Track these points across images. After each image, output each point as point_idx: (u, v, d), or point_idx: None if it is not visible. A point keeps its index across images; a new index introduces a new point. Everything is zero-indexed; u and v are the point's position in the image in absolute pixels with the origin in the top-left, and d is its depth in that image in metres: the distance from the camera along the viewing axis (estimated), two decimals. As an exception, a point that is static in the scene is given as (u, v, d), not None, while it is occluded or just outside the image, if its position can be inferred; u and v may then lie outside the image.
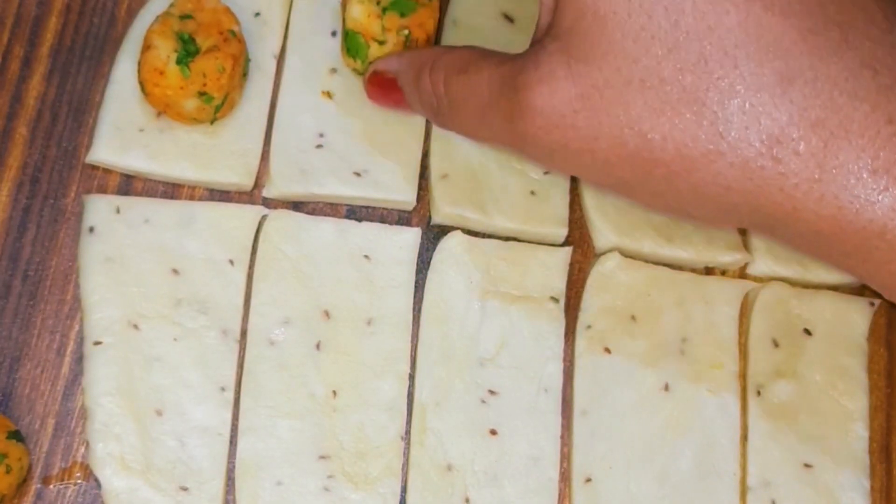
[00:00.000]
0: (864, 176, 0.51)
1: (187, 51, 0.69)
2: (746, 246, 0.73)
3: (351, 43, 0.70)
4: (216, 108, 0.70)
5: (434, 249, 0.72)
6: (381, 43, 0.69)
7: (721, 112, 0.52)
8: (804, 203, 0.52)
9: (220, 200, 0.72)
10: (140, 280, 0.69)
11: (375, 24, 0.69)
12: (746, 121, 0.52)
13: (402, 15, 0.69)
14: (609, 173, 0.56)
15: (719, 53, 0.52)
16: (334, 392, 0.68)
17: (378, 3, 0.69)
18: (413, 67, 0.65)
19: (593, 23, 0.54)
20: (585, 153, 0.56)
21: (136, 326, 0.68)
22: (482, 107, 0.60)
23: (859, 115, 0.51)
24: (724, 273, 0.73)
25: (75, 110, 0.73)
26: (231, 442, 0.68)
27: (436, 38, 0.76)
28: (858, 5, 0.53)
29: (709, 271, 0.73)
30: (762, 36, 0.52)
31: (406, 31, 0.69)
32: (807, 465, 0.69)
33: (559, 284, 0.71)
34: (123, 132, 0.72)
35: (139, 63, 0.70)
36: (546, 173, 0.73)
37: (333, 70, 0.74)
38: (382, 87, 0.69)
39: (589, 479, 0.68)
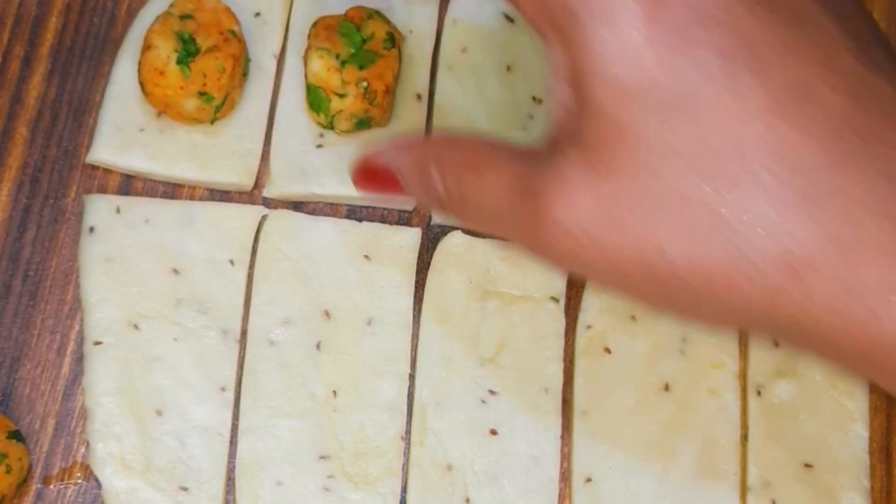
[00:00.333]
0: (891, 297, 0.49)
1: (187, 51, 0.69)
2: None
3: (313, 97, 0.71)
4: (216, 108, 0.70)
5: (434, 249, 0.72)
6: (342, 96, 0.70)
7: (742, 229, 0.50)
8: (828, 322, 0.51)
9: (220, 200, 0.72)
10: (140, 280, 0.69)
11: (335, 77, 0.69)
12: (768, 239, 0.50)
13: (361, 67, 0.70)
14: (627, 285, 0.54)
15: (741, 170, 0.50)
16: (334, 392, 0.68)
17: (337, 57, 0.70)
18: (415, 160, 0.61)
19: (616, 133, 0.52)
20: (604, 265, 0.54)
21: (136, 326, 0.68)
22: (496, 208, 0.56)
23: (882, 232, 0.49)
24: (724, 273, 0.73)
25: (75, 110, 0.74)
26: (231, 442, 0.68)
27: (436, 39, 0.76)
28: (883, 110, 0.52)
29: (709, 271, 0.73)
30: (785, 152, 0.50)
31: (365, 84, 0.69)
32: (807, 465, 0.69)
33: (559, 284, 0.71)
34: (124, 132, 0.72)
35: (139, 63, 0.70)
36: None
37: (334, 70, 0.74)
38: (375, 177, 0.63)
39: (589, 479, 0.68)
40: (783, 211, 0.50)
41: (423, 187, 0.60)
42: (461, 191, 0.58)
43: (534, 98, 0.74)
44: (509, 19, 0.76)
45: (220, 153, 0.72)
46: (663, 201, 0.52)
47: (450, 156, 0.59)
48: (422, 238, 0.72)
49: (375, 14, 0.72)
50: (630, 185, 0.52)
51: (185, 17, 0.70)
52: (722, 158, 0.51)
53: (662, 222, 0.52)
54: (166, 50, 0.69)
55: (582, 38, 0.52)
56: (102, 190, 0.72)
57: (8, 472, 0.63)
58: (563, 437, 0.69)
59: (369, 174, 0.63)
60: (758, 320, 0.53)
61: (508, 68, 0.75)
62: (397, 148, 0.63)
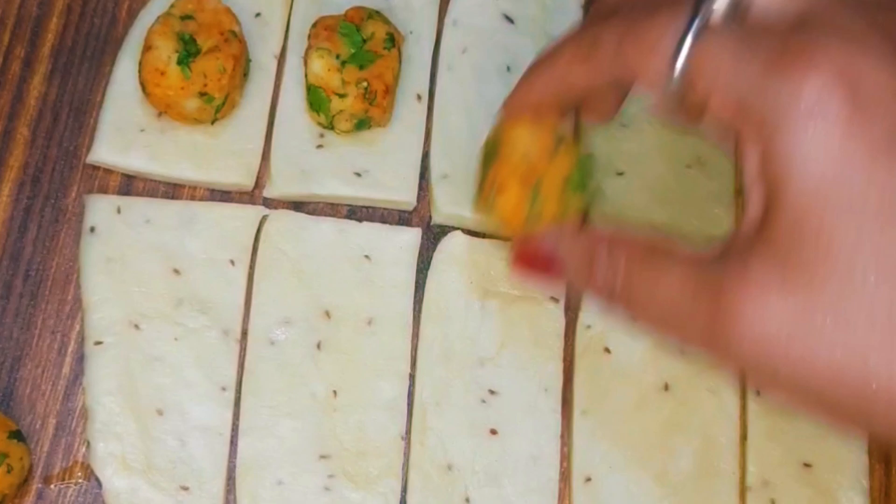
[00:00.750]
0: None
1: (188, 51, 0.69)
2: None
3: (313, 97, 0.71)
4: (217, 108, 0.70)
5: (434, 249, 0.72)
6: (342, 96, 0.70)
7: None
8: None
9: (220, 200, 0.72)
10: (141, 280, 0.69)
11: (335, 77, 0.70)
12: None
13: (361, 67, 0.70)
14: (817, 398, 0.51)
15: None
16: (335, 392, 0.68)
17: (337, 57, 0.70)
18: (585, 245, 0.58)
19: (815, 239, 0.48)
20: (794, 374, 0.50)
21: (136, 326, 0.68)
22: (672, 306, 0.53)
23: None
24: (723, 273, 0.73)
25: (76, 110, 0.74)
26: (232, 441, 0.68)
27: (436, 40, 0.76)
28: None
29: (708, 271, 0.73)
30: None
31: (365, 84, 0.70)
32: (806, 465, 0.69)
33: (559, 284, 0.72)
34: (124, 132, 0.72)
35: (140, 63, 0.70)
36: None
37: (334, 70, 0.74)
38: (535, 261, 0.61)
39: (589, 479, 0.68)
40: None
41: (589, 275, 0.58)
42: (632, 281, 0.56)
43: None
44: (509, 20, 0.76)
45: (221, 153, 0.72)
46: (872, 313, 0.48)
47: (624, 244, 0.56)
48: (422, 238, 0.72)
49: (375, 14, 0.72)
50: (832, 293, 0.49)
51: (185, 17, 0.70)
52: None
53: (871, 335, 0.48)
54: (167, 50, 0.69)
55: (781, 142, 0.49)
56: (103, 190, 0.72)
57: (9, 471, 0.63)
58: (562, 436, 0.69)
59: (530, 257, 0.62)
60: None
61: (508, 68, 0.75)
62: (564, 233, 0.60)
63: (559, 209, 0.62)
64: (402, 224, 0.73)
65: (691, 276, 0.53)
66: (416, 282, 0.71)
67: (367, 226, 0.72)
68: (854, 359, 0.49)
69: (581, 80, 0.57)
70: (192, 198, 0.72)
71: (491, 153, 0.62)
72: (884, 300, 0.48)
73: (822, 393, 0.50)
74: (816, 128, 0.48)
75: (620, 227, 0.59)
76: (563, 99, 0.60)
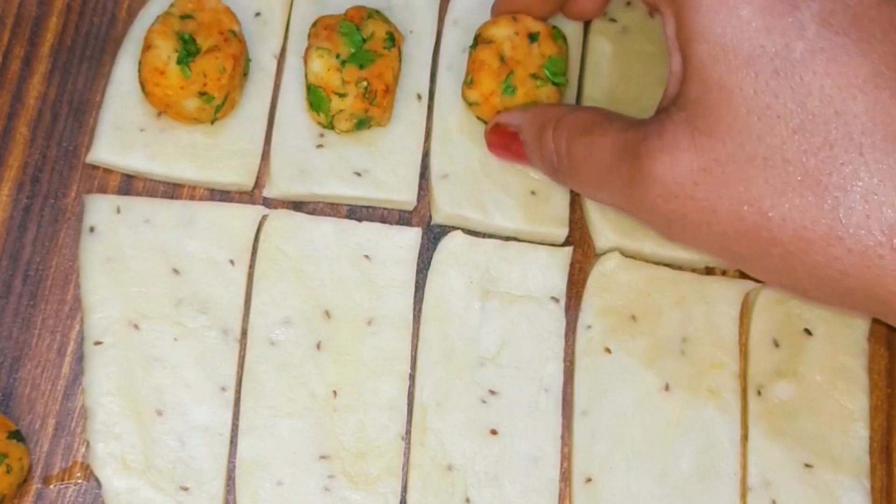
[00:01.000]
0: None
1: (188, 51, 0.69)
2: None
3: (313, 97, 0.71)
4: (217, 107, 0.70)
5: (434, 249, 0.72)
6: (342, 96, 0.70)
7: (843, 198, 0.52)
8: None
9: (220, 200, 0.72)
10: (140, 280, 0.69)
11: (335, 77, 0.69)
12: (868, 209, 0.51)
13: (361, 67, 0.70)
14: (725, 247, 0.57)
15: (845, 139, 0.52)
16: (335, 392, 0.68)
17: (337, 57, 0.70)
18: (536, 123, 0.66)
19: (720, 96, 0.54)
20: (702, 225, 0.56)
21: (136, 326, 0.68)
22: (602, 170, 0.60)
23: None
24: (724, 273, 0.73)
25: (76, 110, 0.74)
26: (231, 442, 0.68)
27: (436, 39, 0.76)
28: None
29: (709, 271, 0.73)
30: (889, 124, 0.51)
31: (365, 83, 0.69)
32: (807, 465, 0.69)
33: (559, 284, 0.71)
34: (124, 132, 0.72)
35: (140, 63, 0.70)
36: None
37: (334, 70, 0.74)
38: (504, 139, 0.69)
39: (589, 479, 0.68)
40: (885, 182, 0.51)
41: (539, 146, 0.65)
42: (571, 151, 0.62)
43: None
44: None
45: (221, 153, 0.72)
46: (765, 164, 0.53)
47: (566, 119, 0.63)
48: (422, 238, 0.72)
49: (375, 14, 0.72)
50: (733, 146, 0.54)
51: (185, 17, 0.70)
52: (826, 127, 0.52)
53: (763, 185, 0.53)
54: (167, 50, 0.69)
55: (688, 7, 0.55)
56: (103, 190, 0.72)
57: (8, 471, 0.63)
58: (563, 436, 0.69)
59: (498, 133, 0.69)
60: (853, 292, 0.54)
61: (509, 68, 0.75)
62: (523, 111, 0.68)
63: (528, 99, 0.70)
64: (402, 224, 0.73)
65: (619, 144, 0.59)
66: (416, 282, 0.71)
67: (367, 225, 0.72)
68: (752, 205, 0.53)
69: None
70: (192, 198, 0.72)
71: (472, 48, 0.71)
72: (779, 153, 0.53)
73: (728, 239, 0.55)
74: None
75: (571, 106, 0.66)
76: None
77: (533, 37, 0.70)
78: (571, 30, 0.76)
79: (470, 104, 0.72)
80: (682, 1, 0.56)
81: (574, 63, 0.75)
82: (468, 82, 0.71)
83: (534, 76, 0.70)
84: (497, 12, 0.71)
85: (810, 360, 0.71)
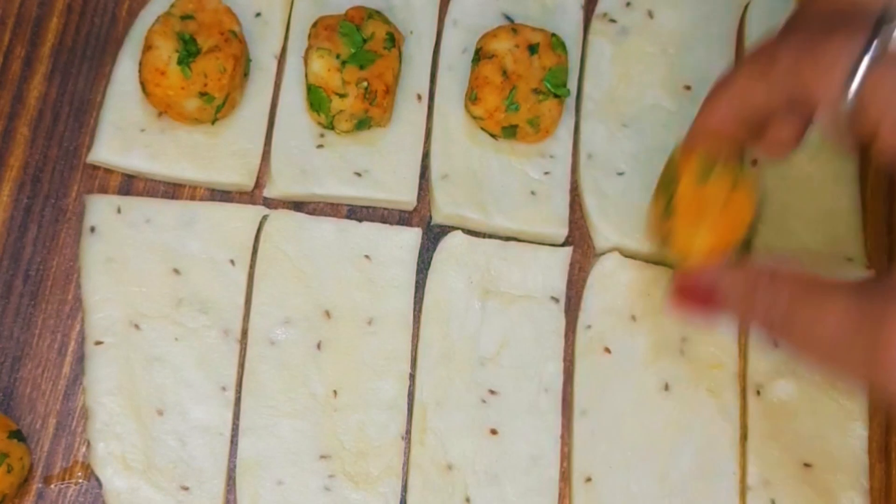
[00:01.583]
0: None
1: (188, 51, 0.69)
2: (747, 245, 0.73)
3: (313, 97, 0.71)
4: (217, 108, 0.70)
5: (434, 249, 0.72)
6: (342, 96, 0.70)
7: None
8: None
9: (220, 200, 0.72)
10: (141, 280, 0.69)
11: (335, 77, 0.70)
12: None
13: (362, 67, 0.70)
14: None
15: None
16: (335, 392, 0.68)
17: (337, 57, 0.70)
18: (745, 276, 0.59)
19: None
20: None
21: (137, 326, 0.68)
22: (833, 338, 0.54)
23: None
24: (723, 273, 0.73)
25: (76, 110, 0.74)
26: (232, 441, 0.68)
27: (436, 39, 0.76)
28: None
29: (709, 271, 0.73)
30: None
31: (365, 83, 0.70)
32: (806, 465, 0.69)
33: (559, 284, 0.72)
34: (124, 132, 0.72)
35: (140, 63, 0.70)
36: (546, 173, 0.73)
37: (334, 70, 0.74)
38: (695, 296, 0.62)
39: (589, 479, 0.68)
40: None
41: (751, 308, 0.58)
42: (794, 314, 0.56)
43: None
44: (509, 19, 0.76)
45: (221, 153, 0.72)
46: None
47: (785, 277, 0.57)
48: (422, 238, 0.72)
49: (375, 14, 0.72)
50: None
51: (185, 17, 0.70)
52: None
53: None
54: (167, 50, 0.69)
55: None
56: (103, 190, 0.72)
57: (9, 471, 0.63)
58: (563, 436, 0.69)
59: (689, 291, 0.63)
60: None
61: (509, 68, 0.75)
62: (725, 267, 0.61)
63: (532, 115, 0.68)
64: (402, 224, 0.73)
65: (852, 308, 0.53)
66: (417, 282, 0.71)
67: (367, 226, 0.72)
68: None
69: (758, 98, 0.58)
70: (193, 198, 0.72)
71: (474, 62, 0.70)
72: None
73: None
74: None
75: (780, 260, 0.59)
76: (743, 120, 0.60)
77: (533, 48, 0.71)
78: (571, 31, 0.76)
79: (474, 118, 0.72)
80: None
81: (574, 63, 0.75)
82: (472, 98, 0.71)
83: (535, 91, 0.70)
84: (695, 133, 0.63)
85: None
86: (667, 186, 0.64)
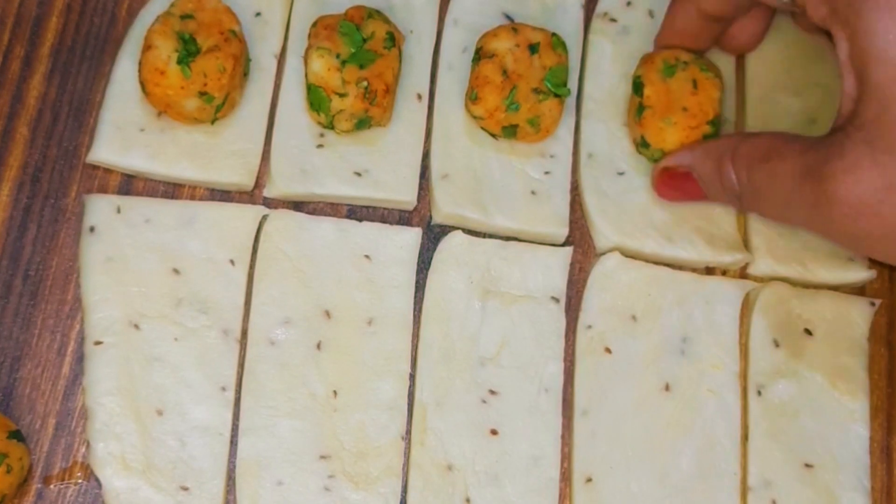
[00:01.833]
0: None
1: (188, 51, 0.69)
2: (747, 246, 0.73)
3: (313, 97, 0.70)
4: (217, 107, 0.70)
5: (434, 249, 0.72)
6: (342, 96, 0.69)
7: None
8: None
9: (220, 200, 0.72)
10: (141, 280, 0.69)
11: (335, 77, 0.69)
12: None
13: (361, 67, 0.70)
14: None
15: None
16: (335, 392, 0.68)
17: (337, 57, 0.70)
18: (711, 158, 0.67)
19: None
20: (890, 240, 0.58)
21: (136, 326, 0.68)
22: (786, 194, 0.62)
23: None
24: (724, 273, 0.73)
25: (76, 110, 0.74)
26: (232, 442, 0.68)
27: (436, 39, 0.76)
28: None
29: (709, 271, 0.73)
30: None
31: (365, 83, 0.69)
32: (807, 465, 0.69)
33: (560, 284, 0.71)
34: (124, 132, 0.72)
35: (140, 63, 0.70)
36: (546, 173, 0.73)
37: (334, 70, 0.74)
38: (674, 182, 0.70)
39: (590, 479, 0.68)
40: None
41: (720, 182, 0.67)
42: (753, 179, 0.64)
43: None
44: (509, 19, 0.76)
45: (221, 153, 0.72)
46: None
47: (742, 148, 0.65)
48: (422, 238, 0.72)
49: (375, 13, 0.72)
50: None
51: (185, 16, 0.70)
52: None
53: None
54: (167, 50, 0.69)
55: (865, 26, 0.57)
56: (103, 190, 0.72)
57: (8, 471, 0.63)
58: (563, 436, 0.69)
59: (668, 180, 0.71)
60: None
61: (509, 68, 0.75)
62: (691, 149, 0.69)
63: (532, 114, 0.71)
64: (402, 224, 0.73)
65: (799, 167, 0.60)
66: (417, 282, 0.71)
67: (367, 225, 0.72)
68: None
69: (710, 7, 0.69)
70: (192, 198, 0.72)
71: (475, 61, 0.72)
72: None
73: None
74: (893, 13, 0.56)
75: (742, 133, 0.69)
76: (706, 20, 0.70)
77: (533, 48, 0.71)
78: (571, 31, 0.76)
79: (474, 118, 0.72)
80: (856, 25, 0.57)
81: (574, 63, 0.75)
82: (472, 98, 0.71)
83: (536, 90, 0.70)
84: (659, 46, 0.73)
85: (810, 360, 0.71)
86: (637, 89, 0.72)
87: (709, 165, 0.67)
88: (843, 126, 0.59)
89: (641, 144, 0.72)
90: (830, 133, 0.60)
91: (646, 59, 0.72)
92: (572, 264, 0.72)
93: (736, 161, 0.65)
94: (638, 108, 0.71)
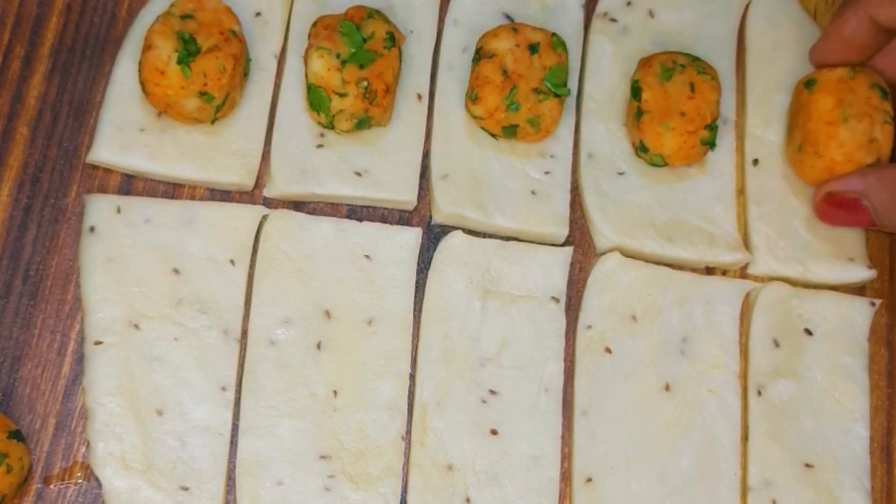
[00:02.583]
0: None
1: (188, 51, 0.69)
2: (747, 246, 0.73)
3: (313, 97, 0.70)
4: (217, 107, 0.70)
5: (435, 249, 0.72)
6: (342, 96, 0.69)
7: None
8: None
9: (220, 200, 0.72)
10: (141, 280, 0.69)
11: (335, 77, 0.69)
12: None
13: (361, 67, 0.70)
14: None
15: None
16: (335, 392, 0.68)
17: (337, 57, 0.70)
18: (886, 187, 0.65)
19: None
20: None
21: (136, 326, 0.68)
22: None
23: None
24: (724, 273, 0.73)
25: (76, 110, 0.74)
26: (232, 442, 0.68)
27: (436, 39, 0.76)
28: None
29: (710, 271, 0.73)
30: None
31: (365, 83, 0.69)
32: (807, 465, 0.69)
33: (560, 284, 0.71)
34: (124, 132, 0.72)
35: (140, 63, 0.70)
36: (547, 173, 0.73)
37: (334, 70, 0.74)
38: (841, 207, 0.68)
39: (590, 479, 0.68)
40: None
41: (891, 208, 0.64)
42: None
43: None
44: (509, 19, 0.76)
45: (221, 153, 0.72)
46: None
47: None
48: (422, 238, 0.72)
49: (376, 13, 0.72)
50: None
51: (185, 16, 0.70)
52: None
53: None
54: (167, 50, 0.69)
55: None
56: (103, 190, 0.72)
57: (8, 471, 0.63)
58: (563, 436, 0.69)
59: (834, 205, 0.68)
60: None
61: (509, 68, 0.75)
62: (862, 174, 0.67)
63: (532, 114, 0.70)
64: (402, 224, 0.73)
65: None
66: (417, 282, 0.71)
67: (367, 225, 0.72)
68: None
69: (888, 18, 0.66)
70: (192, 197, 0.72)
71: (475, 61, 0.71)
72: None
73: None
74: None
75: None
76: (871, 37, 0.67)
77: (533, 48, 0.71)
78: (571, 31, 0.76)
79: (474, 118, 0.72)
80: None
81: (574, 63, 0.75)
82: (473, 98, 0.71)
83: (536, 90, 0.70)
84: (817, 61, 0.72)
85: (810, 360, 0.71)
86: (635, 94, 0.71)
87: (884, 195, 0.65)
88: None
89: (640, 148, 0.72)
90: None
91: (643, 63, 0.72)
92: (572, 264, 0.72)
93: None
94: (636, 113, 0.71)
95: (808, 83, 0.72)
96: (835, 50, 0.69)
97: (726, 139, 0.75)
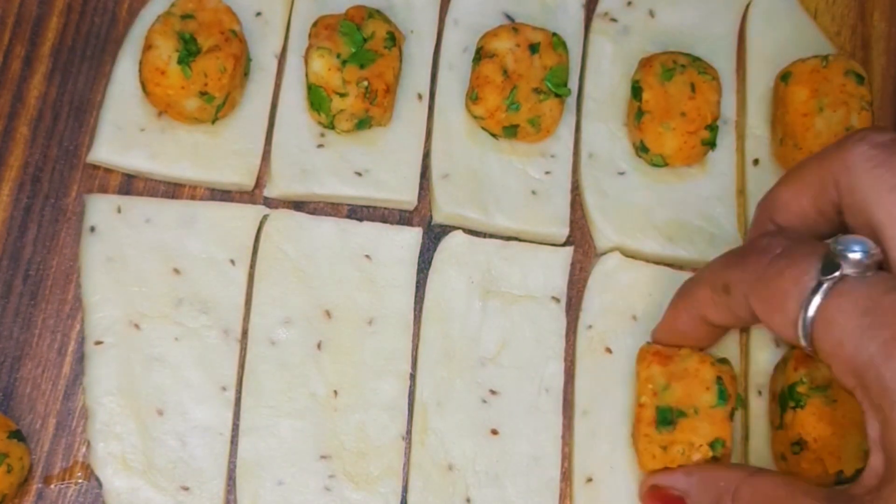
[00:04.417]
0: None
1: (188, 50, 0.69)
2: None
3: (314, 97, 0.70)
4: (217, 107, 0.70)
5: (435, 249, 0.72)
6: (343, 95, 0.69)
7: None
8: None
9: (221, 200, 0.72)
10: (141, 280, 0.69)
11: (336, 77, 0.69)
12: None
13: (362, 66, 0.70)
14: None
15: None
16: (335, 392, 0.68)
17: (338, 56, 0.70)
18: (709, 492, 0.62)
19: None
20: None
21: (137, 326, 0.68)
22: None
23: None
24: (725, 273, 0.73)
25: (76, 110, 0.74)
26: (232, 441, 0.68)
27: (437, 39, 0.76)
28: None
29: (710, 271, 0.73)
30: None
31: (365, 83, 0.69)
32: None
33: (560, 284, 0.71)
34: (124, 132, 0.72)
35: (140, 63, 0.70)
36: (547, 173, 0.73)
37: (334, 70, 0.74)
38: (665, 501, 0.65)
39: (590, 479, 0.68)
40: None
41: None
42: None
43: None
44: (510, 18, 0.76)
45: (221, 153, 0.72)
46: None
47: (744, 493, 0.60)
48: (422, 238, 0.72)
49: (376, 13, 0.72)
50: None
51: (186, 16, 0.70)
52: None
53: None
54: (167, 50, 0.69)
55: None
56: (103, 189, 0.72)
57: (9, 471, 0.63)
58: (563, 436, 0.69)
59: (658, 498, 0.65)
60: None
61: (509, 68, 0.75)
62: (688, 474, 0.64)
63: (533, 114, 0.70)
64: (402, 223, 0.73)
65: None
66: (417, 281, 0.71)
67: (367, 225, 0.72)
68: None
69: (716, 319, 0.63)
70: (193, 197, 0.72)
71: (475, 60, 0.71)
72: None
73: None
74: None
75: (747, 469, 0.61)
76: (704, 331, 0.65)
77: (534, 47, 0.71)
78: (572, 31, 0.76)
79: (475, 118, 0.72)
80: (891, 417, 0.52)
81: (575, 63, 0.75)
82: (473, 98, 0.71)
83: (536, 90, 0.70)
84: (654, 342, 0.68)
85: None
86: (636, 94, 0.71)
87: (706, 500, 0.62)
88: (862, 497, 0.54)
89: (641, 149, 0.72)
90: (849, 500, 0.55)
91: (644, 63, 0.72)
92: (573, 264, 0.72)
93: (736, 501, 0.60)
94: (637, 113, 0.71)
95: (784, 76, 0.72)
96: (671, 339, 0.67)
97: (727, 139, 0.75)
